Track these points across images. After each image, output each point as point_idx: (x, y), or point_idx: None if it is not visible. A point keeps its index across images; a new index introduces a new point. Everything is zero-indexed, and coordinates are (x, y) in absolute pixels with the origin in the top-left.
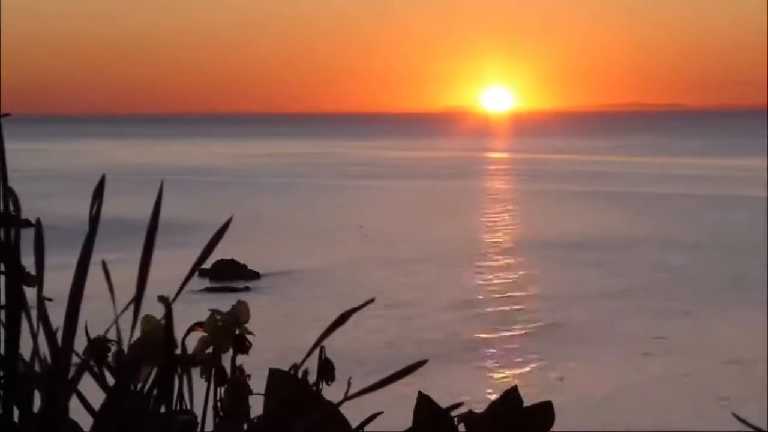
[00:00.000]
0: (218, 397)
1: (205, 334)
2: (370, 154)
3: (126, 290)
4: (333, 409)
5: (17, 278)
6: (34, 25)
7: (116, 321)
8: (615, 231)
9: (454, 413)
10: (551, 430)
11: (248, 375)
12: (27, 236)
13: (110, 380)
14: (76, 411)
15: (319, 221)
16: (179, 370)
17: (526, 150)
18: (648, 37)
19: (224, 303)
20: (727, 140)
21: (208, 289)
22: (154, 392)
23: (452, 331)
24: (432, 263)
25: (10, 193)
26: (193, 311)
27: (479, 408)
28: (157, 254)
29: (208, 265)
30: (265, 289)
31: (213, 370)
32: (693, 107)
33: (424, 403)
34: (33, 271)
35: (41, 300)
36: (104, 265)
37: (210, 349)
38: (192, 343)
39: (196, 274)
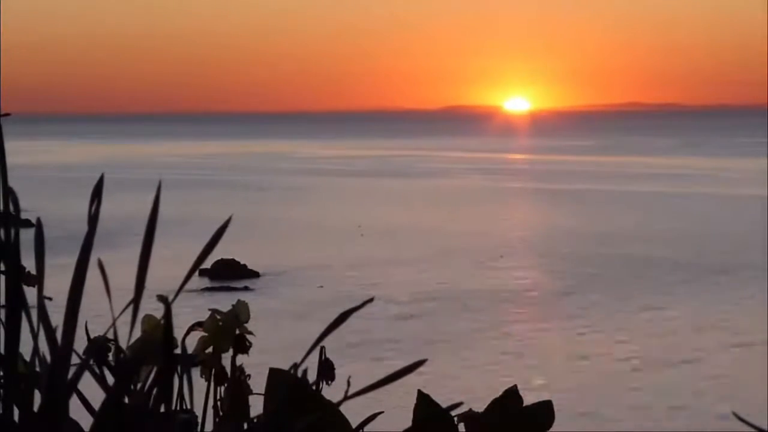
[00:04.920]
0: (218, 397)
1: (205, 334)
2: (370, 153)
3: (126, 290)
4: (333, 408)
5: (17, 278)
6: (32, 25)
7: (115, 321)
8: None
9: (453, 412)
10: (551, 429)
11: (248, 375)
12: (27, 236)
13: (110, 380)
14: (76, 411)
15: (317, 220)
16: (179, 370)
17: (512, 150)
18: (647, 37)
19: (224, 302)
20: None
21: (207, 289)
22: (154, 392)
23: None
24: (425, 262)
25: (10, 193)
26: (192, 311)
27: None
28: (158, 253)
29: (207, 264)
30: (264, 289)
31: (213, 370)
32: (691, 106)
33: (423, 402)
34: (33, 271)
35: (41, 300)
36: (100, 263)
37: (210, 349)
38: (192, 343)
39: (197, 273)
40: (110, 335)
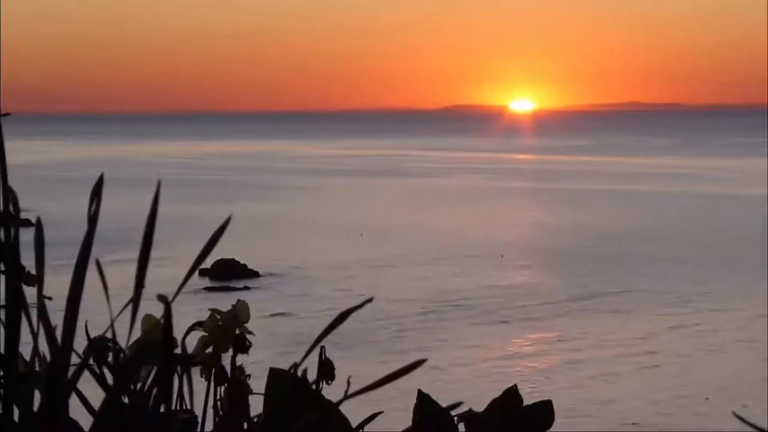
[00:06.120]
0: (218, 397)
1: (205, 334)
2: (371, 153)
3: (126, 290)
4: (333, 408)
5: (17, 278)
6: (33, 25)
7: (114, 320)
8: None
9: (453, 412)
10: (551, 429)
11: (248, 374)
12: (27, 236)
13: (110, 380)
14: (76, 411)
15: (317, 220)
16: (179, 370)
17: (512, 150)
18: (648, 37)
19: (224, 302)
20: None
21: (207, 289)
22: (154, 392)
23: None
24: (425, 262)
25: (10, 193)
26: (192, 311)
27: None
28: (157, 252)
29: (207, 264)
30: (264, 289)
31: (213, 370)
32: (691, 106)
33: (423, 401)
34: (33, 271)
35: (41, 299)
36: (98, 264)
37: (210, 349)
38: (192, 343)
39: (197, 273)
40: (109, 335)
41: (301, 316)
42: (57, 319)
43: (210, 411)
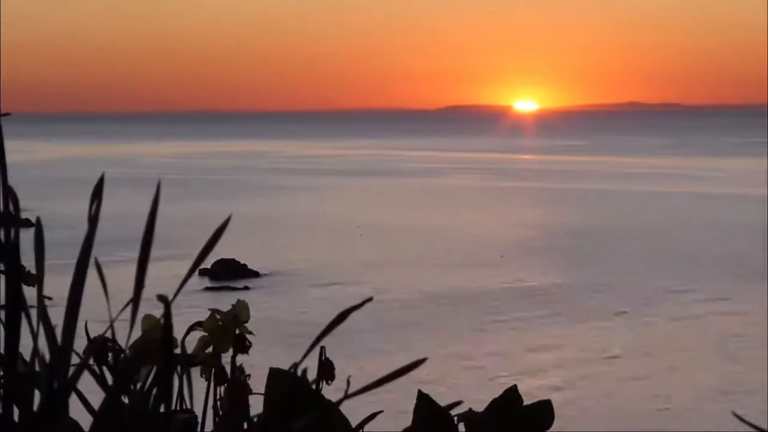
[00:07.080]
0: (218, 397)
1: (205, 334)
2: (372, 153)
3: (126, 290)
4: (332, 407)
5: (17, 278)
6: (33, 25)
7: (114, 320)
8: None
9: (453, 412)
10: (551, 429)
11: (248, 374)
12: (27, 236)
13: (110, 380)
14: (76, 411)
15: (317, 220)
16: (179, 370)
17: (511, 150)
18: (648, 38)
19: (223, 302)
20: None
21: (207, 289)
22: (154, 392)
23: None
24: (425, 262)
25: (10, 193)
26: (192, 311)
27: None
28: (157, 252)
29: (207, 264)
30: (264, 288)
31: (213, 370)
32: (691, 106)
33: (423, 401)
34: (33, 271)
35: (41, 299)
36: (97, 263)
37: (210, 349)
38: (192, 343)
39: (197, 273)
40: (109, 335)
41: (301, 316)
42: (57, 320)
43: (210, 411)
